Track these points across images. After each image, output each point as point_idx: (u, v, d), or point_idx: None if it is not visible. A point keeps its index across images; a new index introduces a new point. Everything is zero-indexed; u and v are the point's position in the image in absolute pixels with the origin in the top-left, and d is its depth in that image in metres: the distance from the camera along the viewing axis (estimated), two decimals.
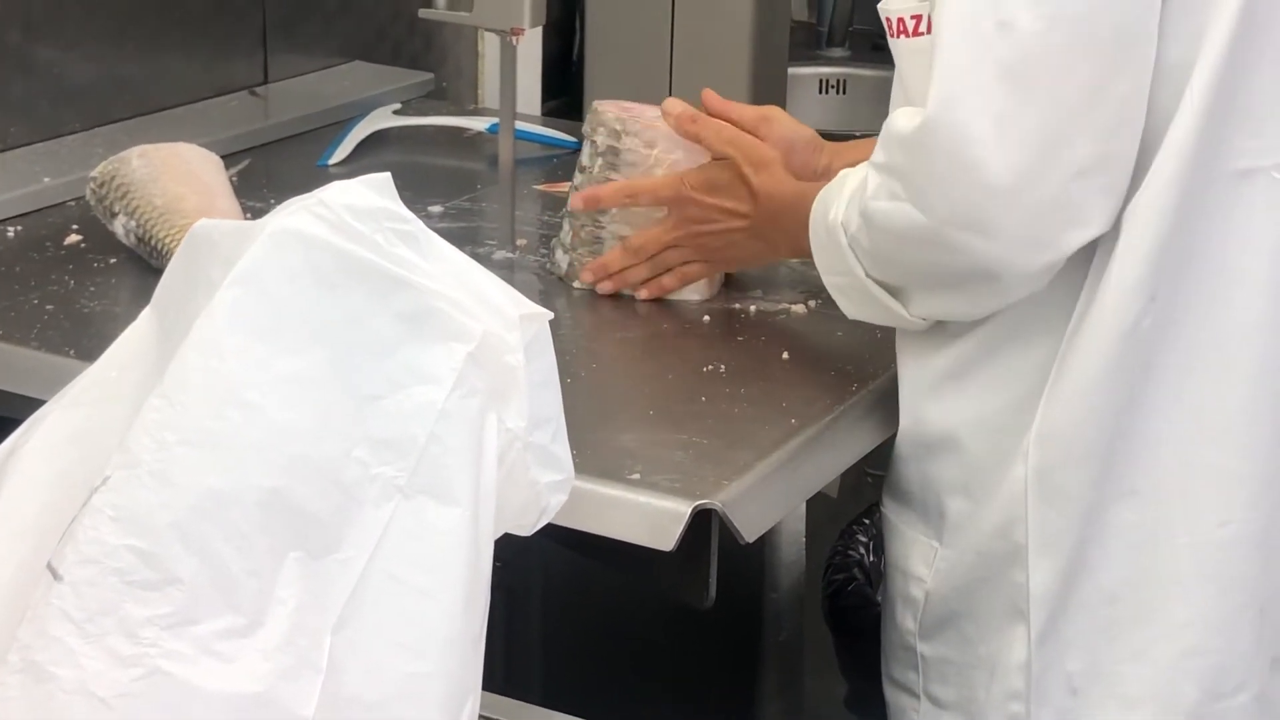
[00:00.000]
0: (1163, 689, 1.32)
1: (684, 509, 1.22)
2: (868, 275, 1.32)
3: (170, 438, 0.89)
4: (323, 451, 0.91)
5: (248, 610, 0.88)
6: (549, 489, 1.04)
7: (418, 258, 0.95)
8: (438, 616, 0.93)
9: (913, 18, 1.28)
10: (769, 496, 1.29)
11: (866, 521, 2.14)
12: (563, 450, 1.04)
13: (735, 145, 1.49)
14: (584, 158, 1.58)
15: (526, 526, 1.04)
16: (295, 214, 0.93)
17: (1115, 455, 1.29)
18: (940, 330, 1.34)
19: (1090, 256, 1.26)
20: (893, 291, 1.32)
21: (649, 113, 1.56)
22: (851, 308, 1.37)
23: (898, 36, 1.30)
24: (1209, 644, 1.32)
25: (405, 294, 0.94)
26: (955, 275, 1.26)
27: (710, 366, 1.44)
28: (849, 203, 1.32)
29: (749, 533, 1.25)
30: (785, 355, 1.47)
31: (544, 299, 1.57)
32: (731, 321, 1.53)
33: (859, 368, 1.44)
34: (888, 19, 1.31)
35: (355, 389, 0.93)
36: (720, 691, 1.97)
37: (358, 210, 0.93)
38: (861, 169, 1.31)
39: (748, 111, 1.54)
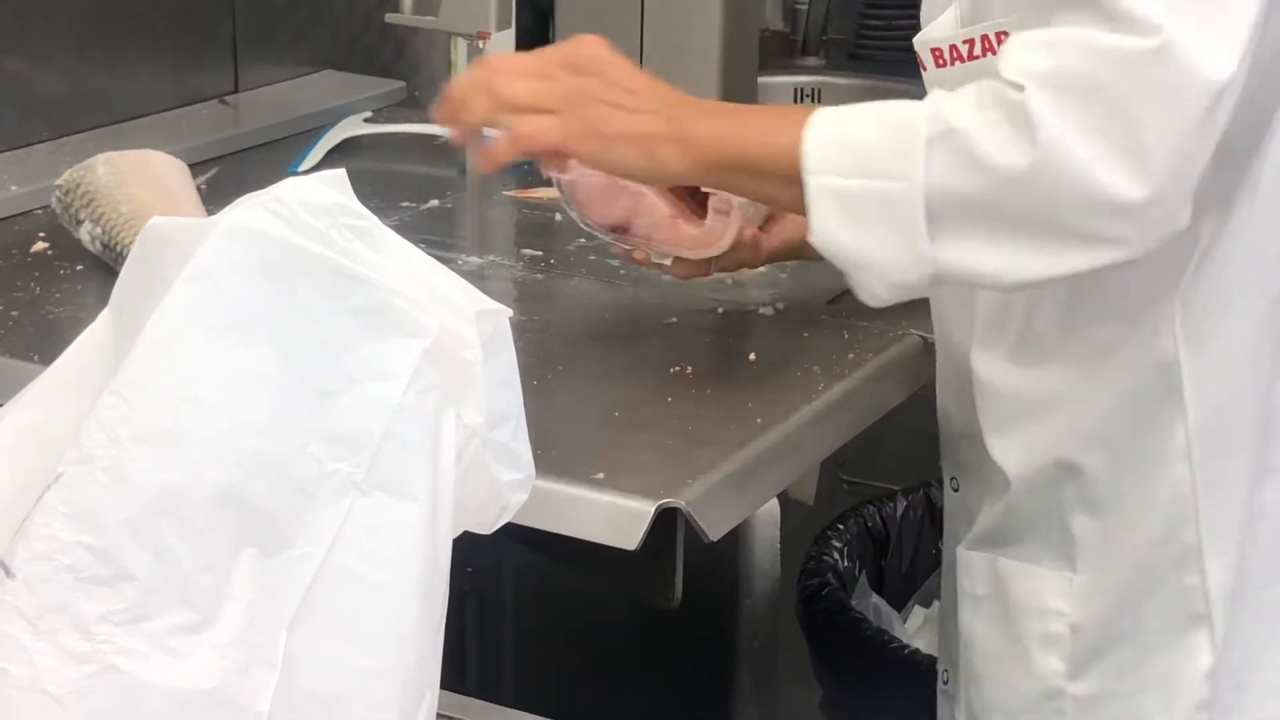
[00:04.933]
0: None
1: (647, 508, 1.22)
2: (927, 187, 1.11)
3: (123, 434, 0.89)
4: (277, 448, 0.91)
5: (201, 607, 0.88)
6: (509, 487, 1.03)
7: (373, 253, 0.95)
8: (394, 612, 0.93)
9: (964, 42, 1.19)
10: (734, 495, 1.29)
11: (841, 527, 2.14)
12: (523, 448, 1.03)
13: None
14: None
15: (486, 524, 1.04)
16: (250, 210, 0.93)
17: (1266, 432, 1.24)
18: (1034, 346, 1.25)
19: (1199, 232, 1.18)
20: (931, 217, 1.12)
21: None
22: (835, 224, 1.14)
23: (950, 64, 1.20)
24: None
25: (360, 289, 0.93)
26: (1076, 207, 1.09)
27: (677, 368, 1.44)
28: (946, 101, 1.13)
29: (714, 531, 1.25)
30: (752, 356, 1.47)
31: (512, 302, 1.57)
32: (698, 323, 1.53)
33: (826, 368, 1.44)
34: (935, 50, 1.21)
35: (310, 385, 0.92)
36: (695, 697, 1.97)
37: (312, 206, 0.93)
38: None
39: None
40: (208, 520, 0.89)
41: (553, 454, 1.20)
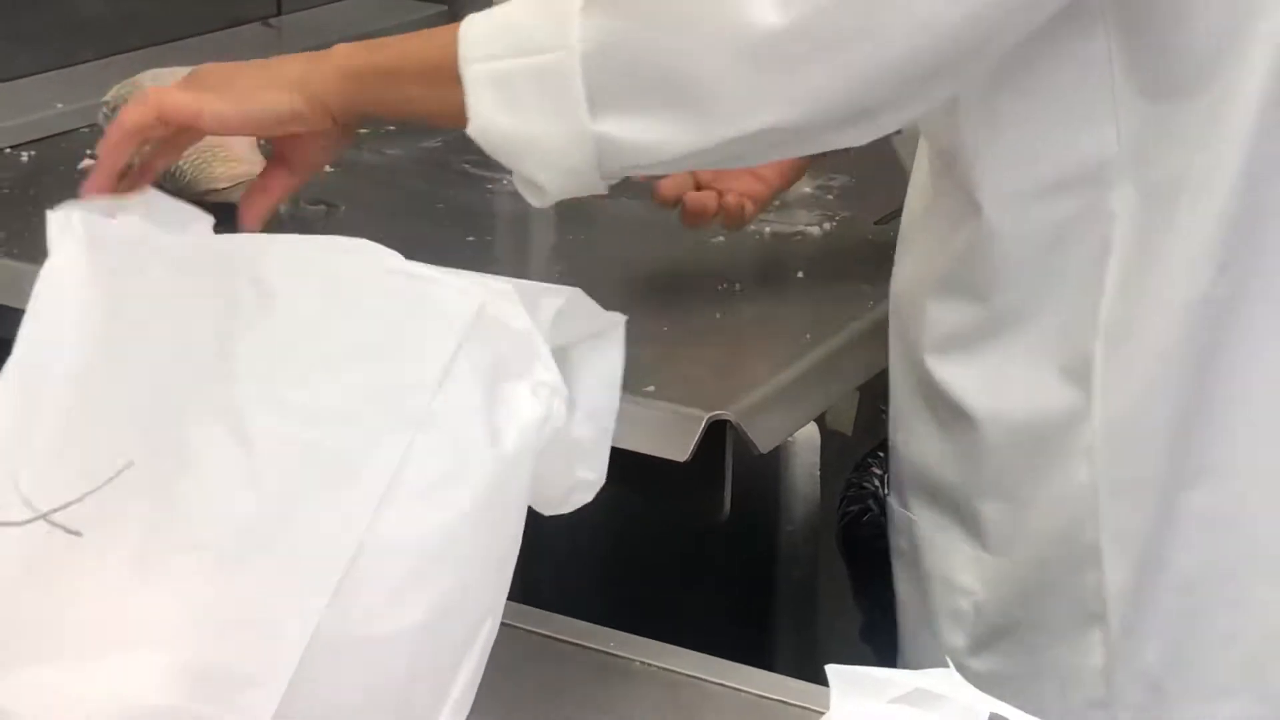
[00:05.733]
0: (1254, 675, 1.20)
1: (699, 419, 1.23)
2: (582, 53, 1.06)
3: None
4: (350, 409, 0.92)
5: None
6: (579, 485, 1.02)
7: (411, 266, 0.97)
8: (455, 535, 0.93)
9: None
10: (784, 408, 1.29)
11: (881, 454, 2.14)
12: (603, 455, 1.02)
13: None
14: None
15: (550, 504, 1.02)
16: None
17: (1186, 435, 1.17)
18: (950, 322, 1.22)
19: (1108, 230, 1.15)
20: (590, 87, 1.07)
21: None
22: (493, 110, 1.08)
23: None
24: None
25: (401, 281, 0.95)
26: (718, 47, 1.04)
27: (725, 285, 1.44)
28: None
29: (763, 444, 1.25)
30: (800, 274, 1.47)
31: (553, 224, 1.58)
32: (745, 243, 1.53)
33: (875, 285, 1.43)
34: None
35: (371, 363, 0.93)
36: (734, 628, 1.97)
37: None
38: None
39: None
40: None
41: None
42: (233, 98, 1.13)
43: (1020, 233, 1.17)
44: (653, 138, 1.07)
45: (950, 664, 1.19)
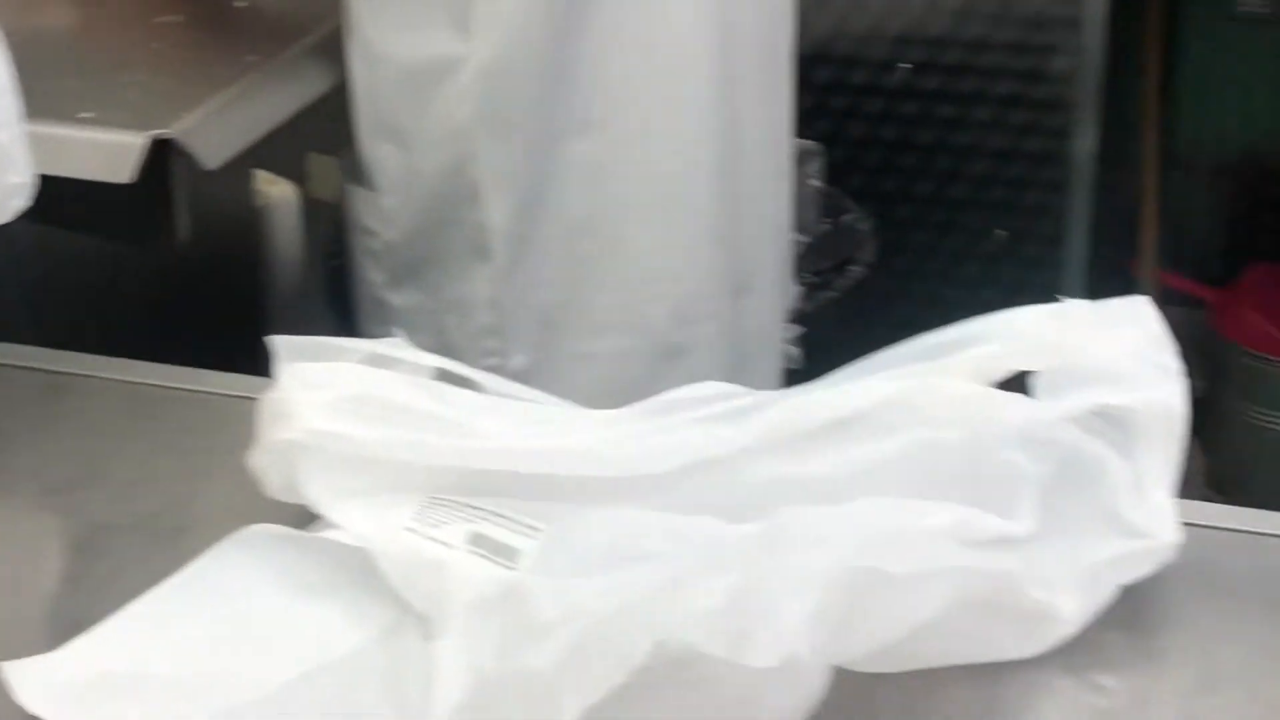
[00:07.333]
0: (631, 313, 1.34)
1: (139, 140, 1.20)
2: None
3: None
4: None
5: None
6: (12, 191, 0.98)
7: None
8: None
9: None
10: (229, 126, 1.28)
11: None
12: (23, 154, 0.99)
13: None
14: None
15: None
16: None
17: (564, 87, 1.27)
18: None
19: None
20: None
21: None
22: None
23: None
24: (672, 270, 1.34)
25: None
26: None
27: (166, 19, 1.41)
28: None
29: (211, 160, 1.24)
30: (243, 4, 1.45)
31: None
32: None
33: (321, 6, 1.42)
34: None
35: None
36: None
37: None
38: None
39: None
40: None
41: (34, 99, 1.16)
42: None
43: None
44: None
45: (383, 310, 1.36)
